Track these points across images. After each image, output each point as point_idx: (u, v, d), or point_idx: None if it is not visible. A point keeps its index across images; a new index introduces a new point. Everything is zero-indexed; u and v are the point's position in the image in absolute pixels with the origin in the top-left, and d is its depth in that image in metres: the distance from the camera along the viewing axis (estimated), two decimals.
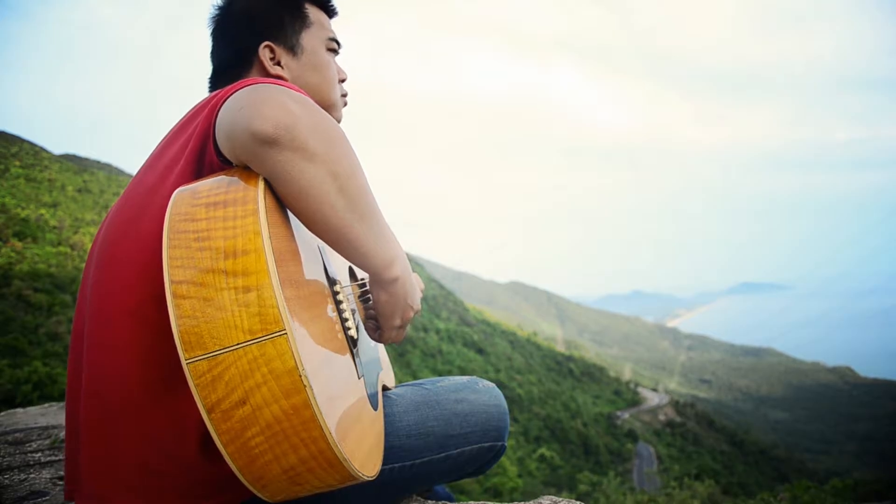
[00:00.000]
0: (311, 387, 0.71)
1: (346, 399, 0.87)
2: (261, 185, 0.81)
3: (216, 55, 1.22)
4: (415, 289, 1.03)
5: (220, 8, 1.21)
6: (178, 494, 0.88)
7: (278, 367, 0.71)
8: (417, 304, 1.04)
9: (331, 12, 1.29)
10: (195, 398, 0.71)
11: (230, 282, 0.72)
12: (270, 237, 0.76)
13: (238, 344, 0.71)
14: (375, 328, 1.06)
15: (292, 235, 0.88)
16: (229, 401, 0.71)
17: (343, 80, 1.31)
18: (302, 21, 1.21)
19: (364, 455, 0.86)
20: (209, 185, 0.82)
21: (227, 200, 0.78)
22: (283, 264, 0.79)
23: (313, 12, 1.24)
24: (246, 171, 0.85)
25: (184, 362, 0.71)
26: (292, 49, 1.20)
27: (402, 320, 1.02)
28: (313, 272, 0.93)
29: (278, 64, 1.18)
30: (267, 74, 1.17)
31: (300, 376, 0.71)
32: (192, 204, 0.79)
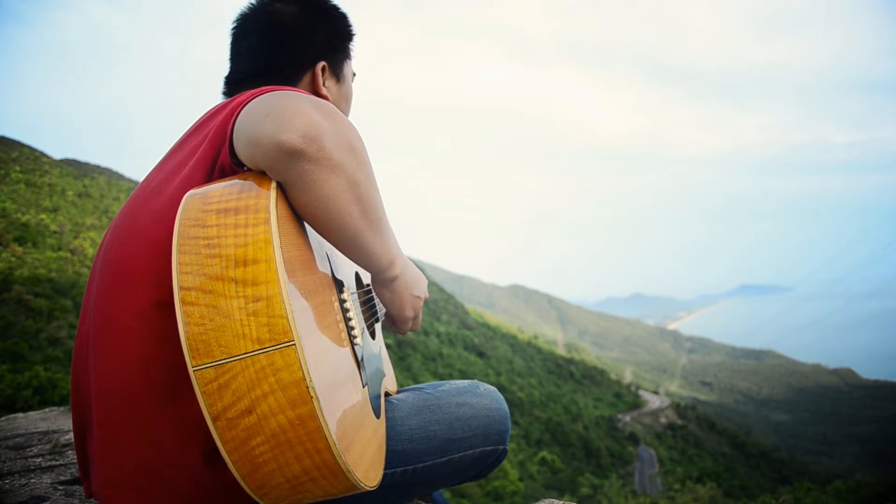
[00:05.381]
0: (317, 398, 0.71)
1: (351, 409, 0.87)
2: (273, 192, 0.80)
3: (262, 54, 1.16)
4: (417, 279, 1.10)
5: (272, 13, 1.17)
6: (182, 500, 0.88)
7: (286, 377, 0.71)
8: (424, 293, 1.11)
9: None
10: (201, 406, 0.71)
11: (240, 290, 0.72)
12: (281, 247, 0.75)
13: (246, 353, 0.71)
14: (392, 323, 1.14)
15: (303, 244, 0.87)
16: (235, 409, 0.71)
17: None
18: (346, 52, 1.26)
19: (367, 465, 0.86)
20: (220, 189, 0.81)
21: (239, 207, 0.77)
22: (294, 274, 0.78)
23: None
24: (258, 176, 0.84)
25: (191, 369, 0.71)
26: (337, 76, 1.24)
27: (413, 310, 1.10)
28: (322, 282, 0.92)
29: (324, 85, 1.20)
30: (315, 91, 1.19)
31: (307, 387, 0.71)
32: (202, 209, 0.78)
